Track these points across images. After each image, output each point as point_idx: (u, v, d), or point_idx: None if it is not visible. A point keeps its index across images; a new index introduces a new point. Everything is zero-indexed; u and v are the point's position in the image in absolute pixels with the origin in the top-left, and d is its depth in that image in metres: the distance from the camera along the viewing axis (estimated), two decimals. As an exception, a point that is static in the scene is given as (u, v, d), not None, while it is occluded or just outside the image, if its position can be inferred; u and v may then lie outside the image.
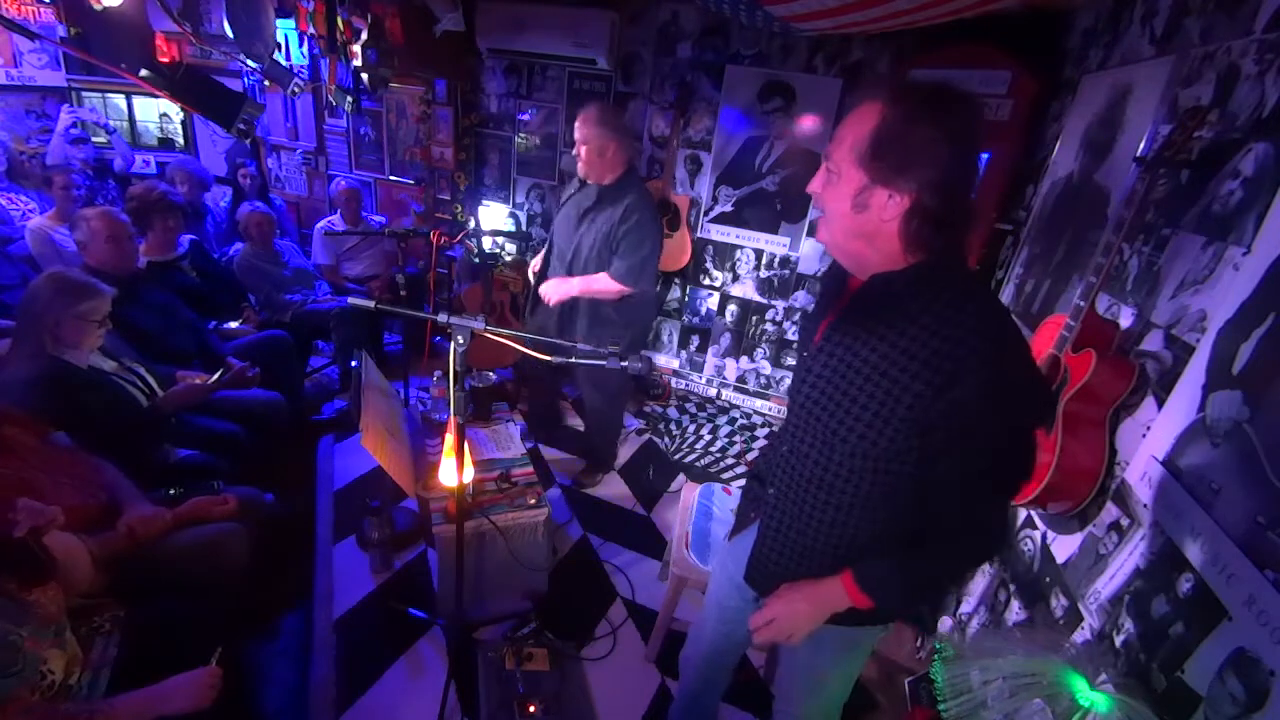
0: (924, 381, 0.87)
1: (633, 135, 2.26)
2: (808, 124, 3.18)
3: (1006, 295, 2.23)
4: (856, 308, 1.00)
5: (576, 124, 2.17)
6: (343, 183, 3.76)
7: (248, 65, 3.04)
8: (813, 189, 0.97)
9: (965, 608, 1.94)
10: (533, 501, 2.06)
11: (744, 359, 3.81)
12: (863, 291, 0.99)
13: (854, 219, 0.91)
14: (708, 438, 3.46)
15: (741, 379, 3.86)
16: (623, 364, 1.36)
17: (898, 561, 1.02)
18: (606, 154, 2.14)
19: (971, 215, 0.94)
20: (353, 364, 2.19)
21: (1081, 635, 1.31)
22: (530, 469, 2.21)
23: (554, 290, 2.32)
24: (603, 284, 2.26)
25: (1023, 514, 1.74)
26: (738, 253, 3.60)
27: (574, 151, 2.21)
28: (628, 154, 2.18)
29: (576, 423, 3.40)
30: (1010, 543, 1.76)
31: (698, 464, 3.21)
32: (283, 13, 3.02)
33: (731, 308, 3.74)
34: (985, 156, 2.51)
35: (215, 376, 2.22)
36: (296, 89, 2.98)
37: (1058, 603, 1.44)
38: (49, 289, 1.78)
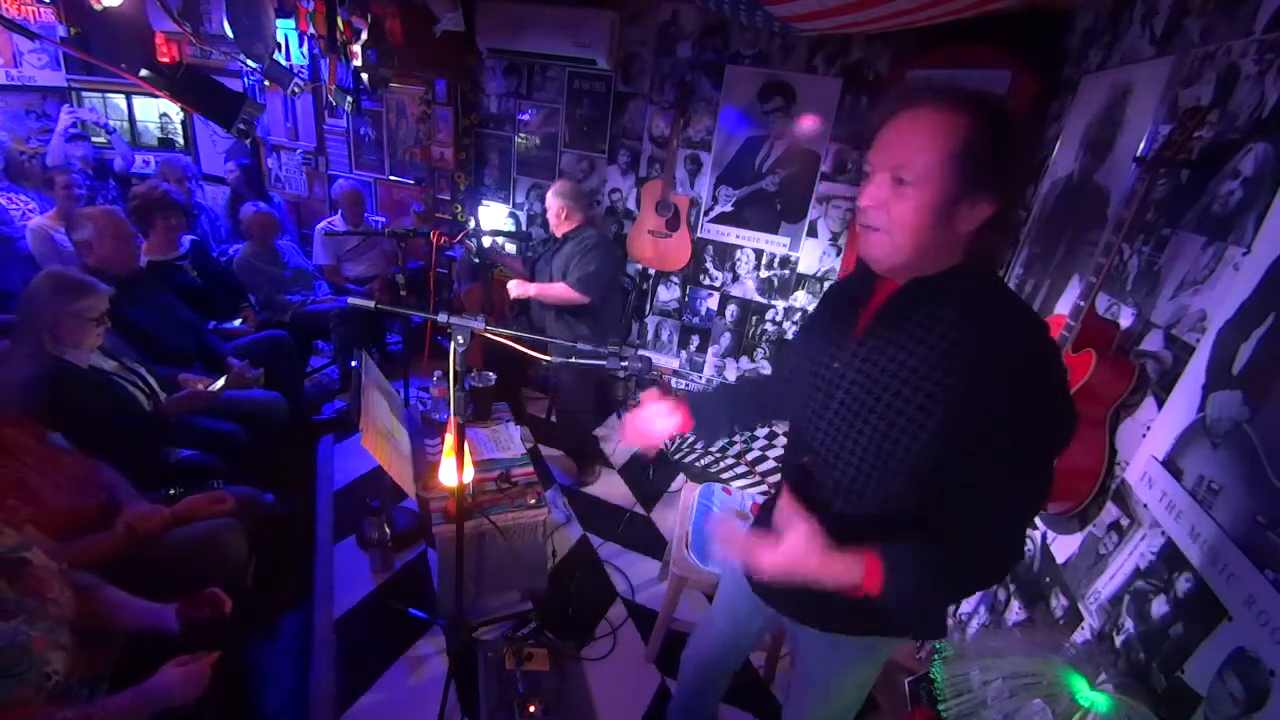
0: (963, 382, 0.87)
1: (590, 200, 3.12)
2: (808, 124, 3.18)
3: (1006, 295, 2.23)
4: (892, 313, 0.97)
5: (548, 194, 2.85)
6: (345, 183, 3.76)
7: (248, 65, 3.04)
8: (871, 202, 0.90)
9: (965, 608, 1.94)
10: (533, 501, 2.06)
11: (744, 359, 3.81)
12: (899, 296, 0.97)
13: (932, 231, 0.88)
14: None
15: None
16: (622, 363, 1.36)
17: (924, 561, 0.94)
18: (563, 216, 2.83)
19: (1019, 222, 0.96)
20: (353, 364, 2.19)
21: (1081, 635, 1.31)
22: (530, 469, 2.21)
23: (516, 289, 2.91)
24: (559, 291, 2.78)
25: (1023, 514, 1.74)
26: (738, 253, 3.60)
27: (546, 212, 2.91)
28: (582, 214, 2.87)
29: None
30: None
31: (698, 464, 3.21)
32: (283, 13, 3.02)
33: (731, 308, 3.74)
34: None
35: (219, 383, 2.21)
36: (296, 89, 2.98)
37: (1058, 603, 1.44)
38: (46, 287, 1.78)
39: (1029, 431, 0.87)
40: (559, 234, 2.86)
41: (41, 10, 3.86)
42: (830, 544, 0.91)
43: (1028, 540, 1.66)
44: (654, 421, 1.25)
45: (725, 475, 3.14)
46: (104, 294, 1.87)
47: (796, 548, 0.91)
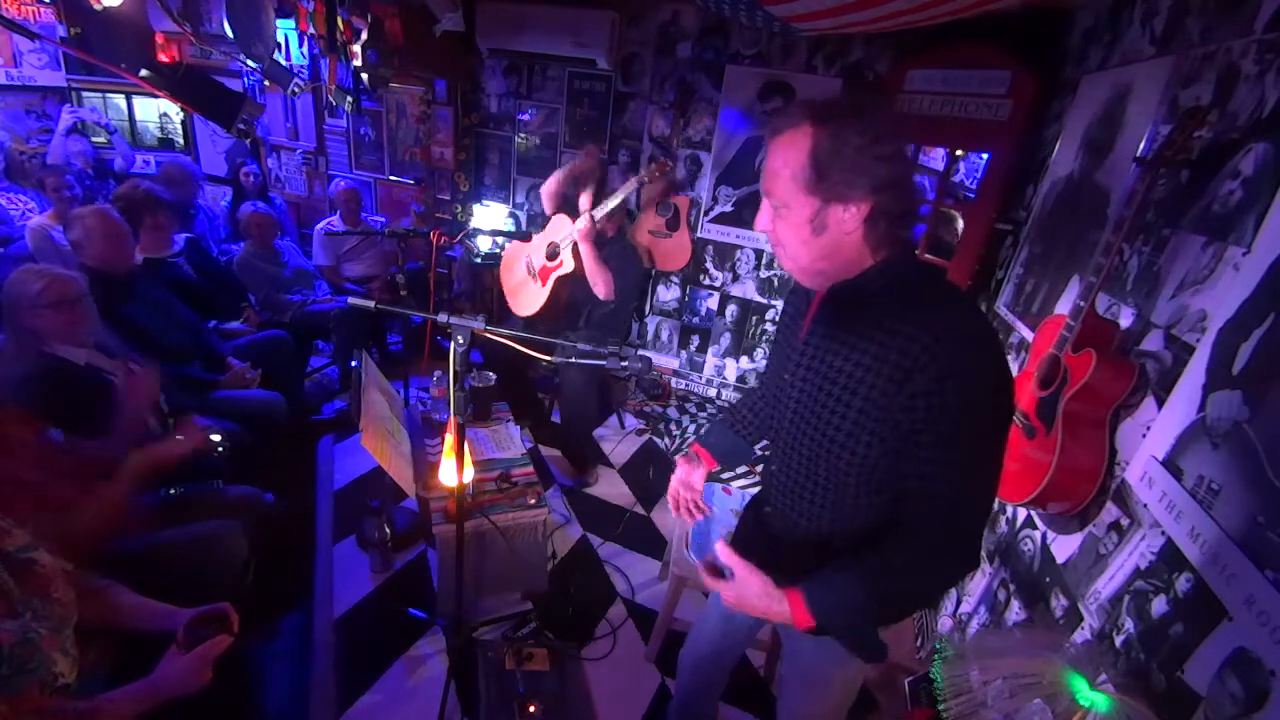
0: (887, 379, 0.88)
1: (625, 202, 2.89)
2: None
3: (1006, 295, 2.23)
4: (821, 322, 1.00)
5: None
6: (342, 183, 3.76)
7: (248, 65, 3.04)
8: (763, 228, 0.97)
9: (965, 607, 1.94)
10: (533, 501, 2.06)
11: (744, 359, 3.81)
12: (823, 305, 1.01)
13: (816, 242, 0.92)
14: (708, 438, 3.46)
15: (742, 379, 3.86)
16: (622, 363, 1.36)
17: (850, 587, 0.96)
18: (609, 219, 2.66)
19: (917, 206, 0.95)
20: (353, 364, 2.19)
21: (1081, 635, 1.31)
22: (530, 469, 2.21)
23: (588, 249, 2.61)
24: (603, 276, 2.60)
25: (1023, 514, 1.74)
26: (738, 253, 3.60)
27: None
28: (622, 218, 2.79)
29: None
30: (1003, 546, 1.76)
31: (698, 464, 3.21)
32: (283, 13, 3.02)
33: (731, 308, 3.74)
34: (985, 156, 2.51)
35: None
36: (296, 89, 2.99)
37: (1058, 603, 1.44)
38: (14, 284, 1.77)
39: (958, 431, 0.87)
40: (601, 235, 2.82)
41: (41, 10, 3.86)
42: (766, 586, 0.99)
43: (1028, 540, 1.66)
44: (691, 481, 1.35)
45: (725, 475, 3.14)
46: (66, 279, 1.82)
47: (741, 591, 1.01)
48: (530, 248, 2.93)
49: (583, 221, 2.53)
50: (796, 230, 0.92)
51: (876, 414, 0.90)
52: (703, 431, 1.45)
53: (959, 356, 0.85)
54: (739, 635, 1.43)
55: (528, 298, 2.92)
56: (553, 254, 2.80)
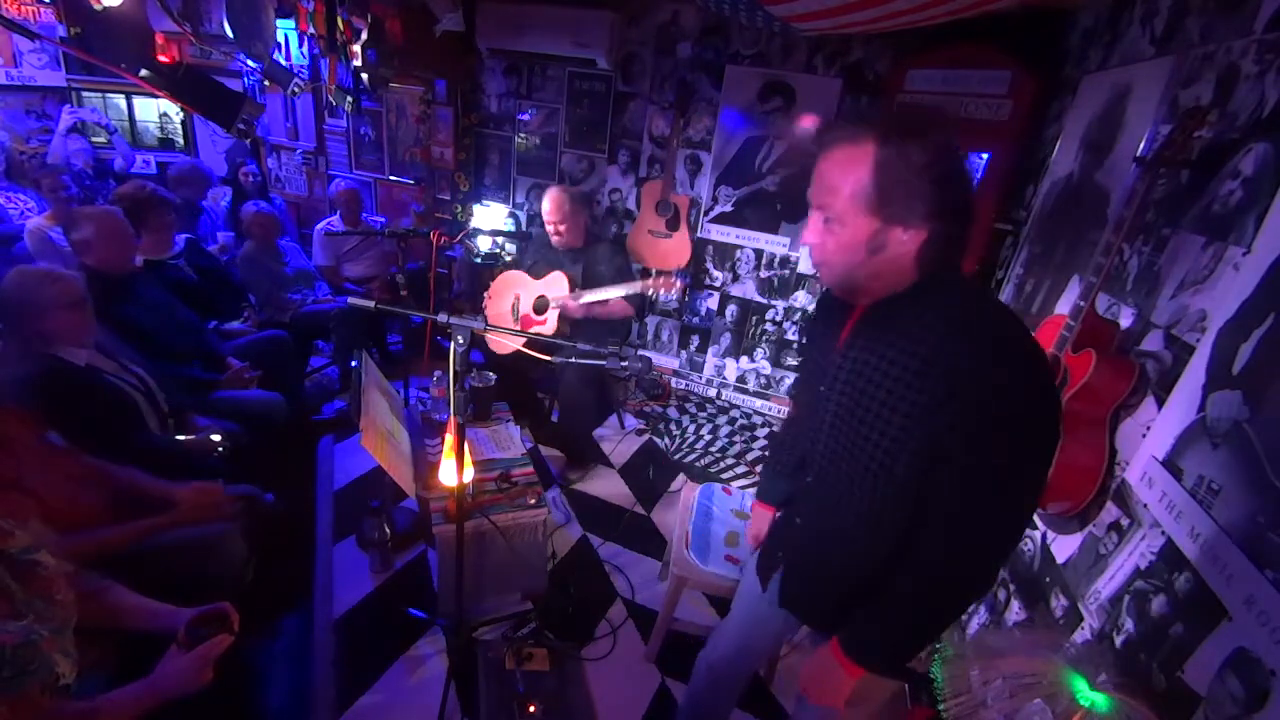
0: (930, 397, 0.87)
1: (590, 202, 2.95)
2: (808, 124, 3.18)
3: (1006, 295, 2.23)
4: (862, 335, 0.99)
5: (550, 208, 2.71)
6: (342, 183, 3.76)
7: (248, 65, 3.04)
8: (810, 240, 0.95)
9: (965, 608, 1.94)
10: (533, 501, 2.06)
11: (744, 359, 3.81)
12: (865, 318, 0.99)
13: (870, 261, 0.90)
14: (708, 438, 3.46)
15: (741, 379, 3.86)
16: (622, 363, 1.36)
17: (884, 623, 0.99)
18: (575, 225, 2.75)
19: (972, 227, 0.93)
20: (353, 364, 2.19)
21: (1081, 635, 1.31)
22: (530, 469, 2.21)
23: (576, 307, 2.67)
24: (619, 309, 2.75)
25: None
26: (738, 253, 3.60)
27: (550, 230, 2.76)
28: (587, 220, 2.83)
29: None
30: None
31: (698, 464, 3.21)
32: (283, 13, 3.02)
33: (731, 308, 3.74)
34: (985, 156, 2.52)
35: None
36: (296, 89, 2.99)
37: (1058, 603, 1.44)
38: (15, 285, 1.75)
39: (994, 462, 0.86)
40: (568, 247, 2.79)
41: (41, 10, 3.86)
42: (814, 674, 1.07)
43: (1028, 540, 1.66)
44: (760, 534, 1.41)
45: (725, 475, 3.14)
46: (73, 279, 1.82)
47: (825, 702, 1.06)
48: (525, 287, 2.93)
49: (571, 303, 2.64)
50: (850, 248, 0.90)
51: (918, 433, 0.89)
52: (757, 488, 1.48)
53: (1005, 384, 0.84)
54: (767, 634, 1.42)
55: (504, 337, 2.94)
56: (540, 308, 2.82)
